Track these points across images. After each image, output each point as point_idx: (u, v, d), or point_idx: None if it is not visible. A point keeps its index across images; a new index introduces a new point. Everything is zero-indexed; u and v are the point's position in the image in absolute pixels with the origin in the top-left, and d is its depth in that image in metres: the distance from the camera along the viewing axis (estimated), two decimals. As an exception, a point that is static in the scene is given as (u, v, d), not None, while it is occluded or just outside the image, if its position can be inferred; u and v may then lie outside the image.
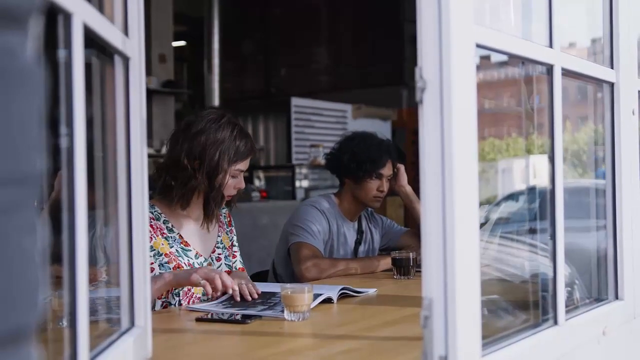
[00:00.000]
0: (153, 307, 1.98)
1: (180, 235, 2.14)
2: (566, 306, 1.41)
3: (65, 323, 0.93)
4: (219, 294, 1.94)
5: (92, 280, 1.03)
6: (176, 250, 2.11)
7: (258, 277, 2.85)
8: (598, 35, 1.73)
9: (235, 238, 2.35)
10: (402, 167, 2.88)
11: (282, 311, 1.75)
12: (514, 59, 1.44)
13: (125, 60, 1.20)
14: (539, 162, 1.54)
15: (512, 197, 2.13)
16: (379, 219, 3.00)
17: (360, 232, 2.89)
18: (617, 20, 1.68)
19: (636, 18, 1.75)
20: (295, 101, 7.15)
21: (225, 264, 2.25)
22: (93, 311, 0.98)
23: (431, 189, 1.04)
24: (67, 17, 0.87)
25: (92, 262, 1.00)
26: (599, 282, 1.74)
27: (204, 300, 2.05)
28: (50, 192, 1.63)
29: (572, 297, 1.60)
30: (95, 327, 1.15)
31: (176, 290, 2.04)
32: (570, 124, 1.72)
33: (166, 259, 2.07)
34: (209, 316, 1.78)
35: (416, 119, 1.09)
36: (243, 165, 2.16)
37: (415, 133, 6.40)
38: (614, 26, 1.68)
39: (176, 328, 1.79)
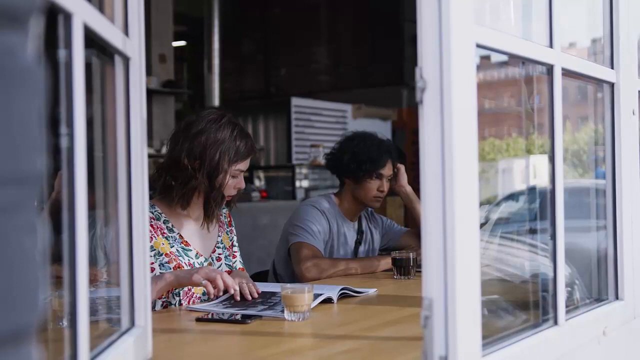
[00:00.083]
0: (153, 307, 1.98)
1: (180, 235, 2.14)
2: (566, 306, 1.41)
3: (65, 323, 0.93)
4: (220, 293, 1.94)
5: (93, 281, 1.03)
6: (177, 250, 2.11)
7: (258, 277, 2.85)
8: (598, 35, 1.73)
9: (235, 238, 2.35)
10: (402, 167, 2.88)
11: (282, 311, 1.75)
12: (514, 59, 1.44)
13: (126, 60, 1.20)
14: (539, 162, 1.55)
15: (512, 197, 2.13)
16: (379, 219, 3.00)
17: (360, 232, 2.89)
18: (618, 20, 1.68)
19: (636, 18, 1.75)
20: (295, 101, 7.15)
21: (226, 264, 2.25)
22: (93, 311, 0.98)
23: (431, 189, 1.04)
24: (68, 17, 0.87)
25: (93, 262, 1.00)
26: (599, 282, 1.74)
27: (204, 300, 2.06)
28: (50, 192, 1.64)
29: (572, 297, 1.60)
30: (96, 327, 1.15)
31: (176, 290, 2.04)
32: (570, 124, 1.72)
33: (166, 259, 2.07)
34: (209, 316, 1.78)
35: (416, 119, 1.09)
36: (243, 165, 2.16)
37: (415, 133, 6.41)
38: (614, 26, 1.68)
39: (176, 328, 1.79)
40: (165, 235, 2.11)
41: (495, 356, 1.16)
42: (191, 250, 2.15)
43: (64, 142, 0.87)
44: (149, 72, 6.38)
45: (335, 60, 8.71)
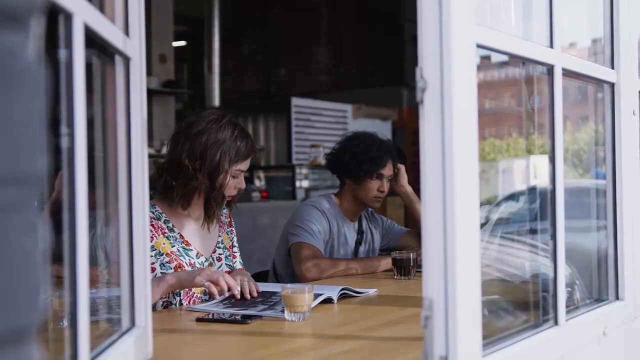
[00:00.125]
0: (154, 307, 1.98)
1: (181, 235, 2.14)
2: (566, 306, 1.41)
3: (65, 323, 0.93)
4: (225, 294, 1.94)
5: (93, 284, 1.03)
6: (177, 249, 2.11)
7: (258, 277, 2.84)
8: (598, 35, 1.73)
9: (235, 238, 2.35)
10: (402, 167, 2.88)
11: (283, 311, 1.75)
12: (515, 59, 1.44)
13: (126, 60, 1.20)
14: (540, 162, 1.54)
15: (513, 197, 2.13)
16: (379, 219, 3.00)
17: (360, 232, 2.89)
18: (618, 20, 1.68)
19: (637, 18, 1.75)
20: (295, 101, 7.15)
21: (226, 264, 2.25)
22: (94, 311, 0.98)
23: (432, 189, 1.04)
24: (68, 17, 0.87)
25: (93, 262, 1.00)
26: (599, 282, 1.74)
27: (205, 300, 2.06)
28: (51, 192, 1.64)
29: (573, 298, 1.60)
30: (96, 327, 1.15)
31: (177, 290, 2.04)
32: (570, 124, 1.72)
33: (167, 259, 2.07)
34: (210, 316, 1.78)
35: (416, 119, 1.09)
36: (244, 165, 2.16)
37: (415, 133, 6.41)
38: (615, 26, 1.68)
39: (177, 328, 1.79)
40: (166, 235, 2.11)
41: (496, 356, 1.16)
42: (192, 250, 2.15)
43: (64, 142, 0.87)
44: (149, 72, 6.39)
45: (336, 60, 8.71)
